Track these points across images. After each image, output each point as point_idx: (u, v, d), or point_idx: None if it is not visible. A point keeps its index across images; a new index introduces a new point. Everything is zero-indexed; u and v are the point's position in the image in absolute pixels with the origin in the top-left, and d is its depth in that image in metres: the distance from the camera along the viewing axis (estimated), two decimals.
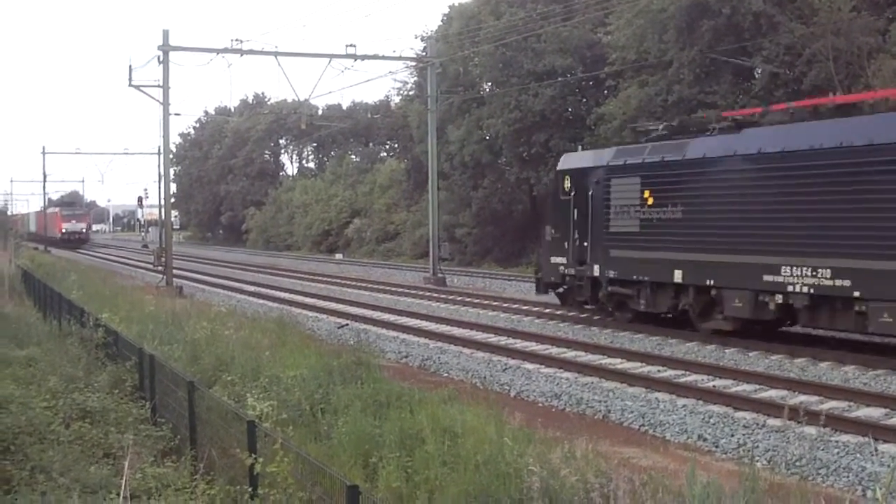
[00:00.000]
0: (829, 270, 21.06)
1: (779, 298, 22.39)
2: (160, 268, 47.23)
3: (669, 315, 26.79)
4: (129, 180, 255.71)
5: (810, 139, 21.80)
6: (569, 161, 31.31)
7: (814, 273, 21.39)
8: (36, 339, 23.15)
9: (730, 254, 23.61)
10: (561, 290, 30.95)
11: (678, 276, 25.19)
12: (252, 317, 29.03)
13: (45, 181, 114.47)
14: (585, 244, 28.87)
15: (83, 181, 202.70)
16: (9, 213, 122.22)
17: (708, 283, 24.34)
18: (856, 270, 20.53)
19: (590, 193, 28.64)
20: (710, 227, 24.29)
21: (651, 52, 50.10)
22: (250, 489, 9.95)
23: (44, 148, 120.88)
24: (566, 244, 29.79)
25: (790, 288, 21.93)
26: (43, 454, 12.49)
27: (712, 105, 47.47)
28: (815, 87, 44.28)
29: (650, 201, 26.30)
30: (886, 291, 19.87)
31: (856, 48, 42.70)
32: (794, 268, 21.84)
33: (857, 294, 20.50)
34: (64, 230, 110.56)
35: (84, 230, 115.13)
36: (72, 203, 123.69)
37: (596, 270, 28.36)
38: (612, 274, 27.73)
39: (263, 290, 43.61)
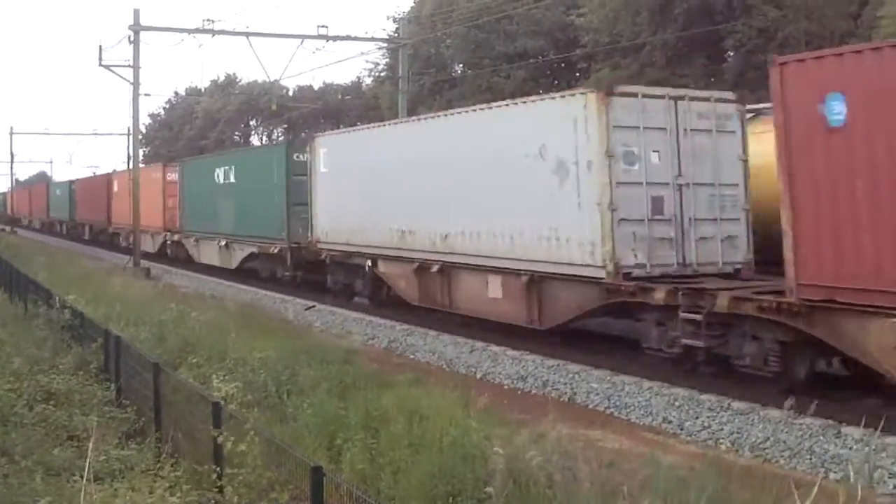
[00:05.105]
0: None
1: None
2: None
3: None
4: (98, 162, 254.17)
5: None
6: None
7: None
8: (1, 321, 23.01)
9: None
10: None
11: None
12: (220, 298, 28.92)
13: (12, 162, 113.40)
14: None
15: (51, 162, 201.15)
16: None
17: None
18: None
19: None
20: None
21: (624, 35, 50.12)
22: (217, 469, 9.94)
23: (11, 129, 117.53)
24: None
25: None
26: (6, 436, 12.44)
27: (684, 87, 47.60)
28: None
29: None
30: None
31: (829, 32, 42.89)
32: None
33: None
34: None
35: None
36: None
37: None
38: None
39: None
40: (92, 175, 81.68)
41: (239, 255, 40.35)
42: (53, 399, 14.77)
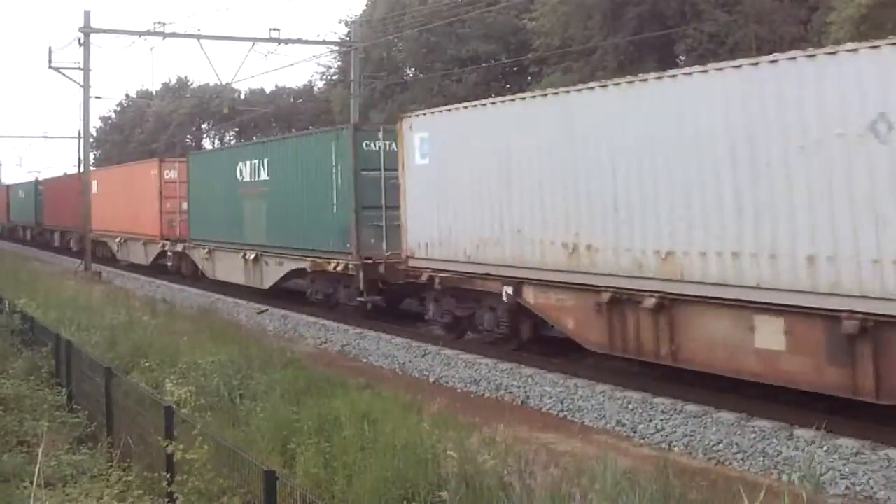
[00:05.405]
0: None
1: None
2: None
3: None
4: (48, 165, 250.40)
5: None
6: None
7: None
8: None
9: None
10: None
11: None
12: (171, 302, 28.75)
13: None
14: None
15: (0, 165, 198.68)
16: None
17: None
18: None
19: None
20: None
21: (576, 39, 50.38)
22: (168, 475, 9.87)
23: None
24: None
25: None
26: None
27: None
28: None
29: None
30: None
31: (779, 37, 43.35)
32: None
33: None
34: None
35: None
36: None
37: None
38: None
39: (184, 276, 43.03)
40: (52, 174, 77.76)
41: (275, 271, 31.88)
42: (3, 404, 14.67)
